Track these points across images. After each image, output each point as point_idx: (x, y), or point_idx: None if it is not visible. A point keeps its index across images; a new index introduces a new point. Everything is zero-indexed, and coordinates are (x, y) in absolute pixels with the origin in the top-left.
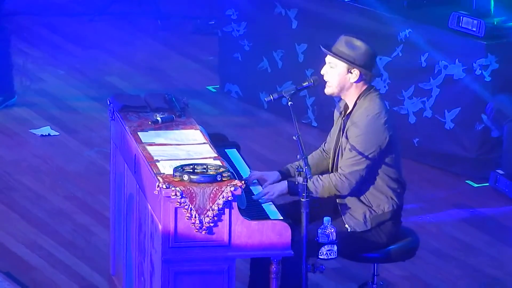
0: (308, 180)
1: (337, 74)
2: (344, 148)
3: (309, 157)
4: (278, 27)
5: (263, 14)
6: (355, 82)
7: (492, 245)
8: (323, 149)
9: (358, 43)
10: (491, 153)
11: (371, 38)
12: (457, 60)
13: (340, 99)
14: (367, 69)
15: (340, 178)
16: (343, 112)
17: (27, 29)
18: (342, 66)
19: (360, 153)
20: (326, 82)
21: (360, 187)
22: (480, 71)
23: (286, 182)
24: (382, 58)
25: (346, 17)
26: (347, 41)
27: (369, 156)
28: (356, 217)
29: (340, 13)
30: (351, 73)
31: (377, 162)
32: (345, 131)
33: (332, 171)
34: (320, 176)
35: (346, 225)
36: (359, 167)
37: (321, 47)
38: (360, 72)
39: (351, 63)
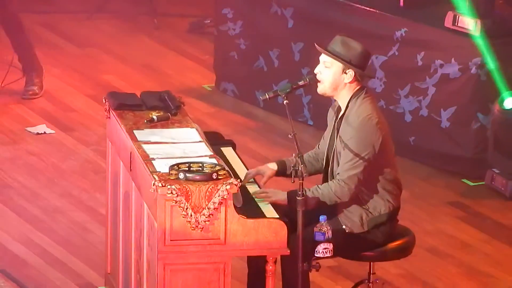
0: (307, 191)
1: (332, 74)
2: (339, 152)
3: (304, 156)
4: (274, 26)
5: (259, 13)
6: (349, 82)
7: (488, 243)
8: (316, 152)
9: (354, 43)
10: (487, 152)
11: (367, 37)
12: (453, 59)
13: (335, 99)
14: (362, 70)
15: (339, 184)
16: (335, 114)
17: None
18: (337, 66)
19: (355, 156)
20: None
21: (358, 190)
22: (476, 70)
23: (286, 195)
24: (378, 57)
25: (342, 16)
26: (343, 41)
27: (365, 157)
28: (352, 219)
29: (336, 12)
30: (346, 73)
31: (373, 164)
32: (338, 134)
33: (326, 173)
34: (318, 185)
35: (343, 226)
36: (356, 171)
37: (316, 45)
38: (354, 73)
39: (347, 63)
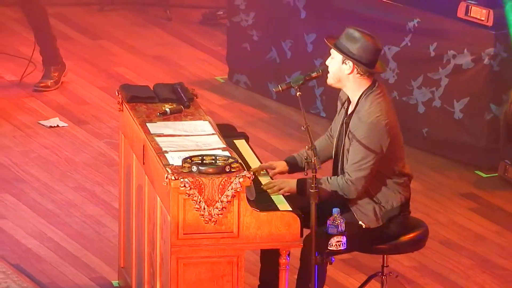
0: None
1: (334, 65)
2: (348, 150)
3: (316, 143)
4: (286, 17)
5: (271, 4)
6: (349, 74)
7: (501, 234)
8: (329, 134)
9: (358, 35)
10: (500, 143)
11: (380, 28)
12: (465, 49)
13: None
14: (362, 62)
15: (346, 183)
16: (346, 105)
17: None
18: (338, 56)
19: (363, 158)
20: None
21: (367, 187)
22: (489, 61)
23: (296, 183)
24: (390, 47)
25: (355, 7)
26: (348, 33)
27: (372, 160)
28: (366, 214)
29: (349, 2)
30: (346, 64)
31: (382, 163)
32: (347, 133)
33: (336, 162)
34: (329, 177)
35: (360, 222)
36: (364, 173)
37: (324, 39)
38: (353, 64)
39: (345, 54)
